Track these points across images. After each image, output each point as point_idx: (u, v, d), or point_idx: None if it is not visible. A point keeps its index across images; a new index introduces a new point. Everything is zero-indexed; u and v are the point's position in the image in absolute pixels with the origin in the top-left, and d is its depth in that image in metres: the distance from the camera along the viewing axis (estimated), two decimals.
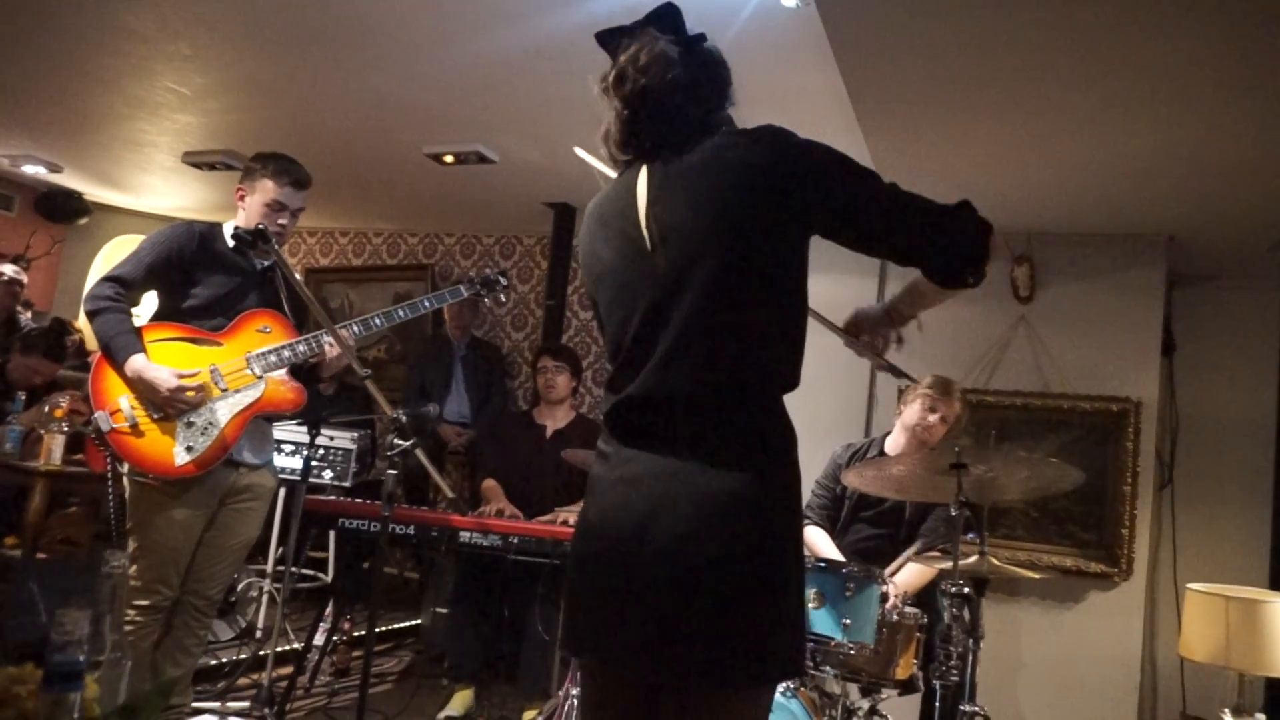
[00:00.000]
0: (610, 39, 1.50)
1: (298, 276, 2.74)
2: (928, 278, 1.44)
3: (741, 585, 1.31)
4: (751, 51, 2.96)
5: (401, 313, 2.84)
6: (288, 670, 3.49)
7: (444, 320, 5.89)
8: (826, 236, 1.43)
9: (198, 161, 4.90)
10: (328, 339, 2.68)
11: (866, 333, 1.60)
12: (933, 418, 3.07)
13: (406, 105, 3.86)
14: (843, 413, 4.11)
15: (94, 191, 6.16)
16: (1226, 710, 2.93)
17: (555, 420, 3.91)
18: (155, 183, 5.68)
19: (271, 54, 3.51)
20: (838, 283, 3.13)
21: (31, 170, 5.66)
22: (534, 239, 5.88)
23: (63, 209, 6.15)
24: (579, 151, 2.02)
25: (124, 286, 2.56)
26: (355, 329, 2.76)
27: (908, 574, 2.92)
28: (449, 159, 4.37)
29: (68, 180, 5.91)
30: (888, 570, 2.85)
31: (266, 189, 2.66)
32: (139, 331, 2.54)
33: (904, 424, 3.15)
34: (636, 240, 1.43)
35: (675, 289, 1.38)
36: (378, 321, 2.80)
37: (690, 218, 1.39)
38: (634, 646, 1.34)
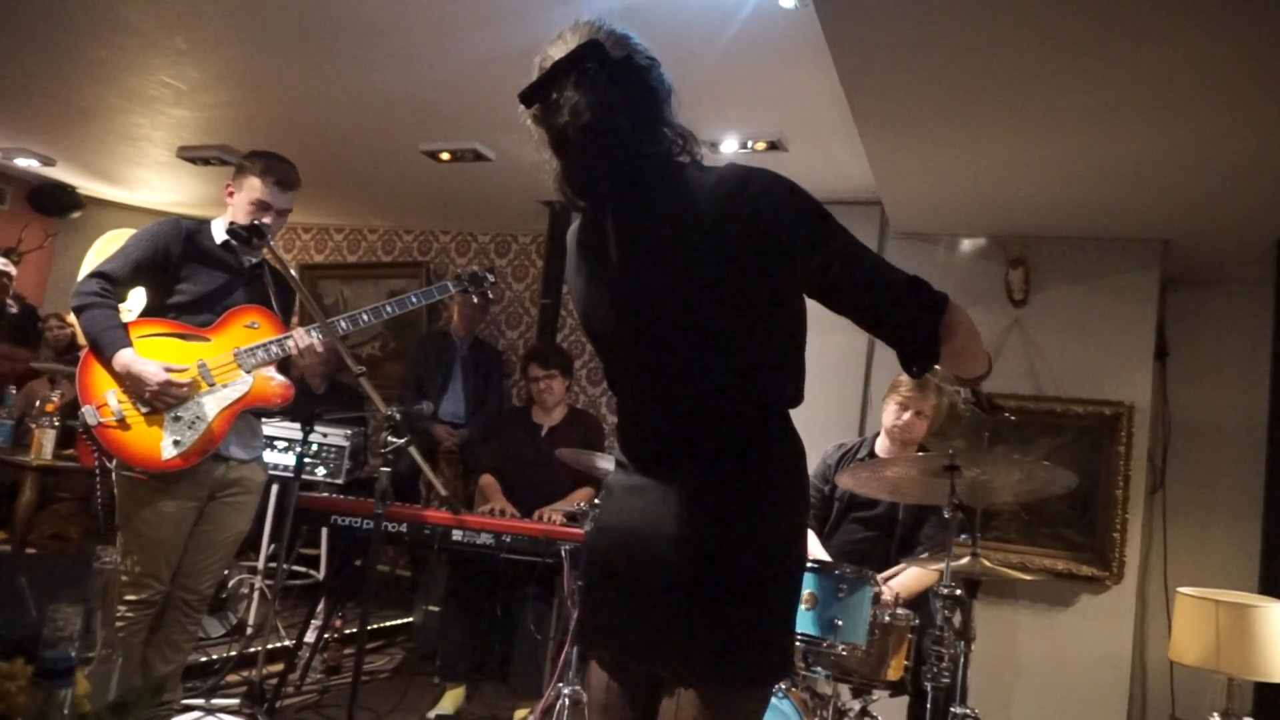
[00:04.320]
0: (534, 97, 1.39)
1: (292, 272, 2.74)
2: (896, 350, 1.35)
3: (746, 588, 1.35)
4: (749, 52, 2.96)
5: (390, 309, 2.85)
6: (278, 667, 3.49)
7: (440, 316, 5.89)
8: (797, 284, 1.38)
9: (192, 156, 4.88)
10: (316, 335, 2.68)
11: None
12: (907, 415, 3.07)
13: (403, 102, 3.85)
14: (837, 413, 4.11)
15: (87, 185, 6.13)
16: (1216, 714, 2.94)
17: (550, 418, 3.91)
18: (149, 177, 5.66)
19: (268, 49, 3.50)
20: None
21: (24, 163, 5.63)
22: (529, 237, 5.88)
23: (55, 202, 6.11)
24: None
25: (111, 282, 2.56)
26: (343, 324, 2.76)
27: (907, 577, 2.92)
28: (445, 156, 4.36)
29: (61, 174, 5.88)
30: (882, 576, 2.85)
31: (253, 187, 2.66)
32: (126, 327, 2.54)
33: (885, 428, 3.16)
34: (619, 294, 1.43)
35: (662, 344, 1.40)
36: (365, 317, 2.81)
37: (666, 273, 1.37)
38: (643, 643, 1.39)
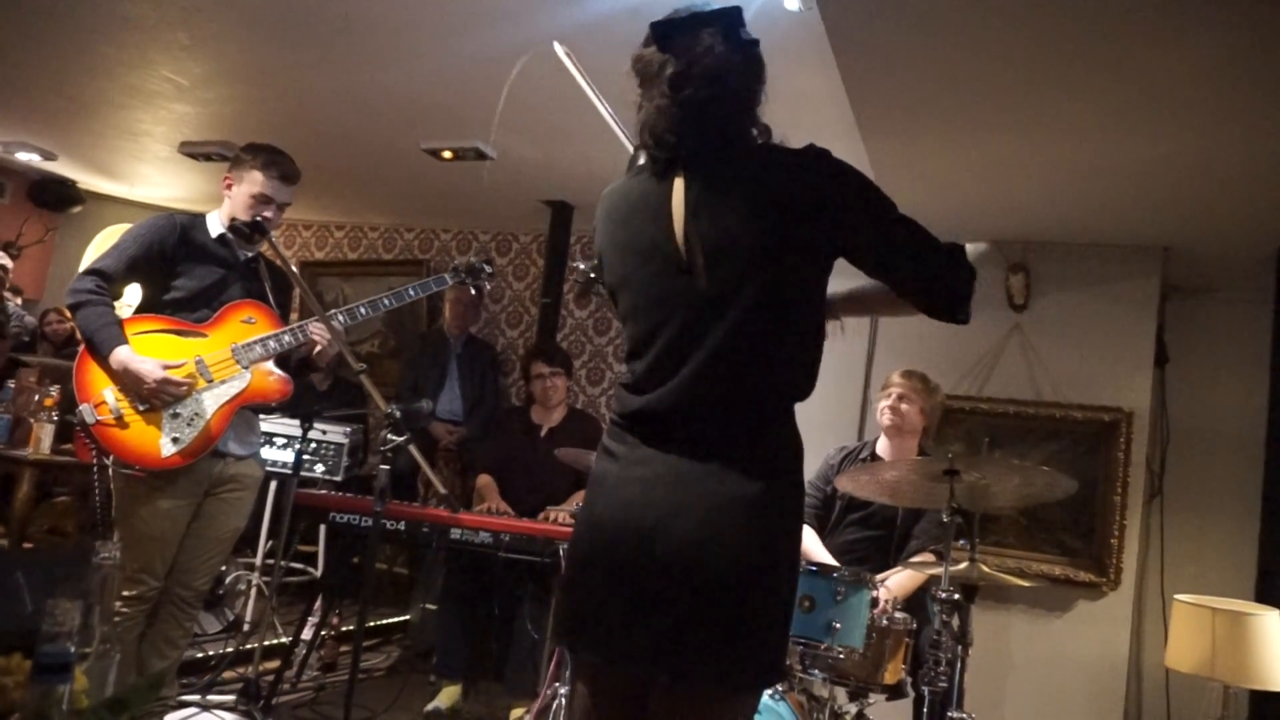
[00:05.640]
0: (669, 31, 1.46)
1: (293, 268, 2.74)
2: (923, 311, 1.47)
3: (752, 591, 1.34)
4: None
5: (387, 301, 2.83)
6: (275, 664, 3.48)
7: (440, 315, 5.88)
8: (848, 260, 1.46)
9: (193, 152, 4.88)
10: (314, 328, 2.67)
11: None
12: (885, 403, 3.15)
13: (406, 100, 3.85)
14: (836, 416, 4.11)
15: (88, 180, 6.12)
16: None
17: (550, 418, 3.90)
18: (150, 172, 5.65)
19: (270, 45, 3.50)
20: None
21: (25, 157, 5.62)
22: (530, 236, 5.87)
23: (56, 197, 6.11)
24: (559, 49, 1.87)
25: (106, 279, 2.54)
26: (341, 318, 2.74)
27: (899, 579, 2.92)
28: (447, 155, 4.36)
29: (61, 168, 5.88)
30: (880, 576, 2.85)
31: (254, 180, 2.64)
32: (122, 324, 2.53)
33: (880, 425, 3.23)
34: (671, 254, 1.42)
35: (714, 309, 1.39)
36: (363, 310, 2.79)
37: (734, 239, 1.40)
38: (642, 645, 1.35)
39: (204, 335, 2.61)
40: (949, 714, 2.42)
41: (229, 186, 2.69)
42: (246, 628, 3.98)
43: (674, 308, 1.42)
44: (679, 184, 1.44)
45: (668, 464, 1.40)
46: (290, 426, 4.02)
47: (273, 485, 4.15)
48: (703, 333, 1.39)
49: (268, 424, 3.94)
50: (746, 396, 1.39)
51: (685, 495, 1.36)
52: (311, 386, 4.83)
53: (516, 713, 3.46)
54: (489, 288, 3.24)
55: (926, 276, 1.44)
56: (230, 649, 3.60)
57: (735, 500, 1.35)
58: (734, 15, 1.46)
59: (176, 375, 2.50)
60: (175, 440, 2.51)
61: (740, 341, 1.38)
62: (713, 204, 1.41)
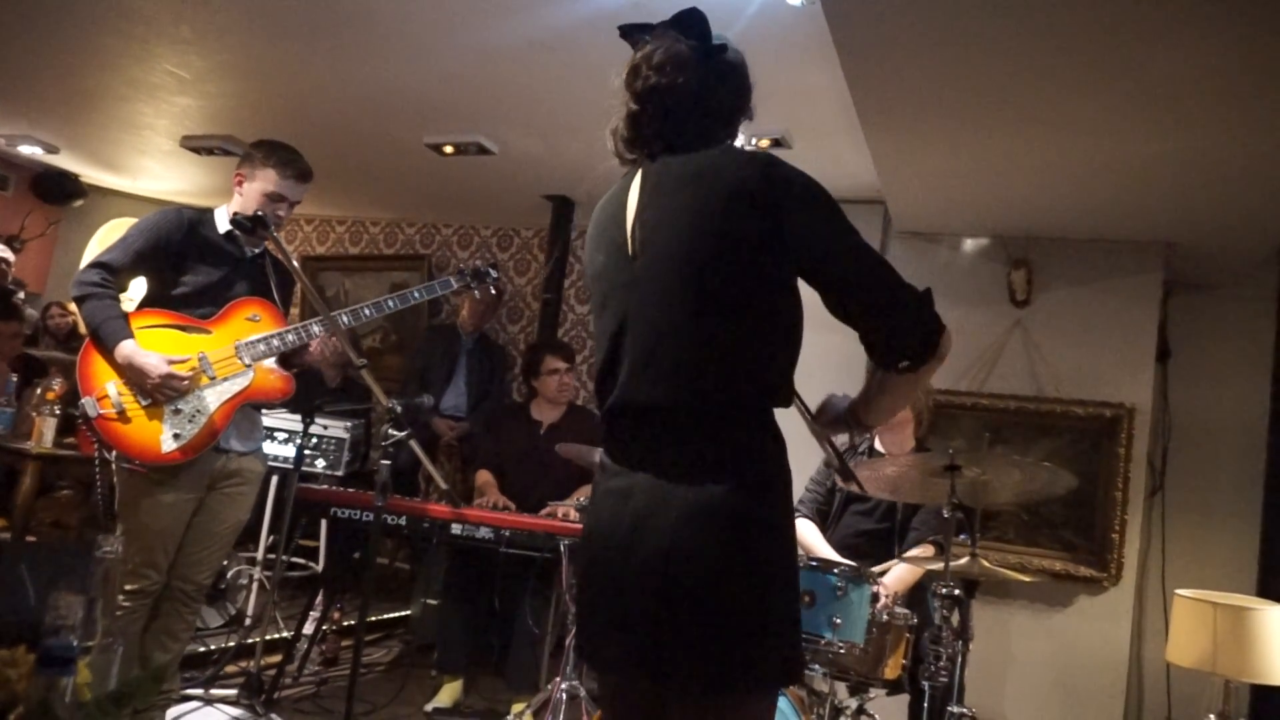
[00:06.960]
0: (632, 33, 1.51)
1: (295, 264, 2.73)
2: (869, 351, 1.40)
3: (726, 595, 1.32)
4: (755, 49, 2.90)
5: (391, 303, 2.83)
6: (277, 658, 3.49)
7: (440, 310, 5.88)
8: (800, 273, 1.41)
9: (195, 146, 4.88)
10: (316, 329, 2.67)
11: (825, 423, 1.56)
12: None
13: (407, 95, 3.85)
14: None
15: (90, 173, 6.13)
16: (1212, 716, 2.94)
17: (550, 414, 3.90)
18: (152, 166, 5.66)
19: (273, 39, 3.49)
20: None
21: (28, 151, 5.63)
22: (532, 231, 5.87)
23: (59, 190, 6.11)
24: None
25: (111, 272, 2.53)
26: (345, 319, 2.74)
27: (897, 574, 2.93)
28: (449, 149, 4.36)
29: (64, 161, 5.88)
30: (878, 568, 2.86)
31: (268, 178, 2.63)
32: (127, 317, 2.53)
33: None
34: (622, 245, 1.44)
35: (649, 296, 1.40)
36: (367, 312, 2.79)
37: (670, 226, 1.40)
38: (626, 657, 1.37)
39: (208, 331, 2.61)
40: (949, 709, 2.43)
41: (240, 182, 2.67)
42: (248, 622, 3.98)
43: (622, 300, 1.44)
44: (637, 178, 1.47)
45: (633, 475, 1.41)
46: (292, 421, 4.02)
47: (274, 480, 4.15)
48: (641, 324, 1.40)
49: (269, 419, 3.95)
50: (691, 390, 1.36)
51: (650, 504, 1.36)
52: (321, 381, 4.84)
53: (518, 707, 3.47)
54: (495, 291, 3.23)
55: (881, 299, 1.35)
56: (232, 643, 3.61)
57: (700, 505, 1.33)
58: (695, 18, 1.47)
59: (180, 371, 2.50)
60: (176, 436, 2.51)
61: (673, 331, 1.37)
62: (663, 194, 1.43)
